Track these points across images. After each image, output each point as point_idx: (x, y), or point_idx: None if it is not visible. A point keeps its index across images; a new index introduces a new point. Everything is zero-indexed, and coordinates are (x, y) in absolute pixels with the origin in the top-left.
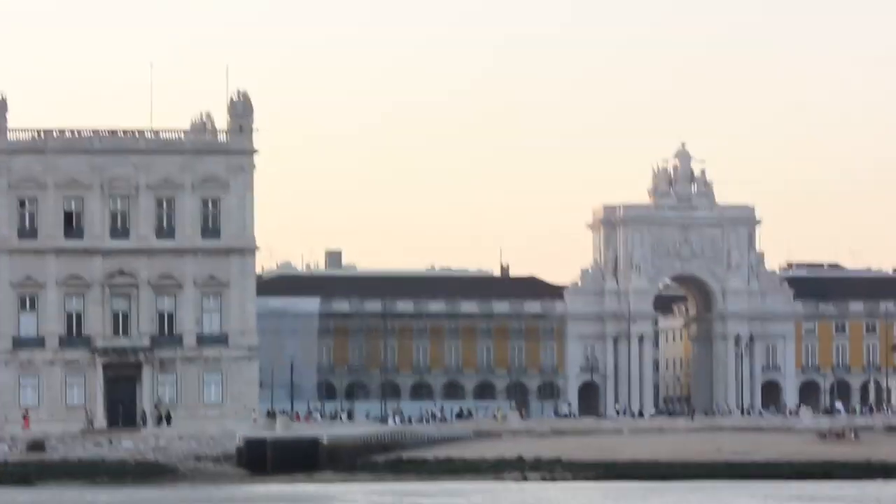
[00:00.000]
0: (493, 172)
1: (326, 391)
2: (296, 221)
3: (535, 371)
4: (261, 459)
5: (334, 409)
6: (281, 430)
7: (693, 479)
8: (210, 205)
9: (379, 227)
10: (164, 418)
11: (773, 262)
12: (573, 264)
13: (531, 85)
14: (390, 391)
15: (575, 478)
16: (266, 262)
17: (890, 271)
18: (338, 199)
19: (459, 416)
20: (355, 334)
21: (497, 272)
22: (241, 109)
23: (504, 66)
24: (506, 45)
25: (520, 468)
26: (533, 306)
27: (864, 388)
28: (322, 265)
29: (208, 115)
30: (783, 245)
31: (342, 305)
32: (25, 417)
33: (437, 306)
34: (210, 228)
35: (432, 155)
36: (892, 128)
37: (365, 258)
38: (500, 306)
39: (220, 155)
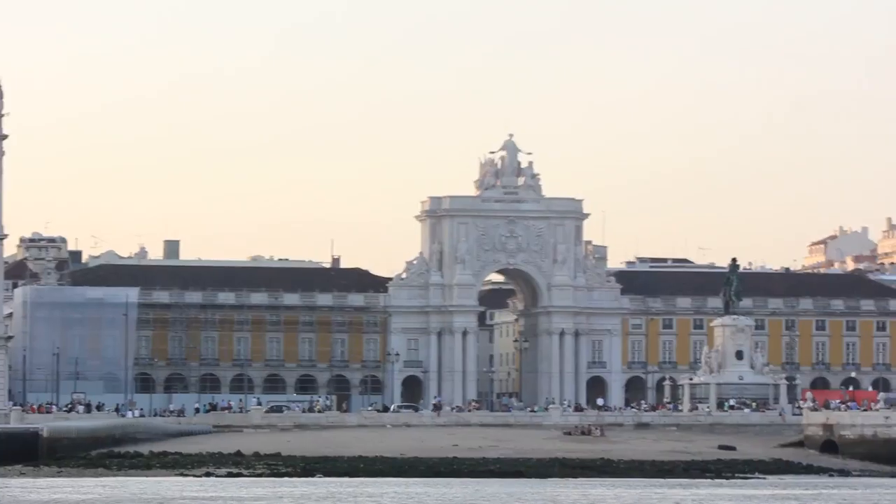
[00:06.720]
0: (326, 166)
1: (144, 384)
2: (124, 211)
3: (358, 364)
4: None
5: (72, 400)
6: (15, 422)
7: (402, 475)
8: None
9: (209, 218)
10: None
11: (618, 257)
12: (403, 257)
13: (361, 73)
14: (210, 384)
15: (271, 473)
16: (91, 250)
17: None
18: (167, 189)
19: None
20: (175, 325)
21: (329, 264)
22: None
23: (337, 51)
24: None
25: (218, 464)
26: (357, 299)
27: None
28: (159, 255)
29: None
30: (630, 240)
31: (162, 296)
32: None
33: (258, 298)
34: None
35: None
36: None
37: (195, 249)
38: (324, 298)
39: None
